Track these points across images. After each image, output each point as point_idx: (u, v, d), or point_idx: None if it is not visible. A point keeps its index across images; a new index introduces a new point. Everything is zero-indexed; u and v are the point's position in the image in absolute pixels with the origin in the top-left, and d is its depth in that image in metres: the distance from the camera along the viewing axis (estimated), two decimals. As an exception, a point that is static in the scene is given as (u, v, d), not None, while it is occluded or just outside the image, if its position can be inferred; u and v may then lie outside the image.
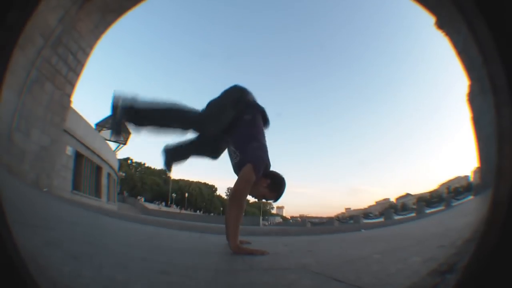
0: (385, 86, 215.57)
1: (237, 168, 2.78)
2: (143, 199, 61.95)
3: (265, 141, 2.91)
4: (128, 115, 2.85)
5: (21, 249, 0.74)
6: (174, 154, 3.23)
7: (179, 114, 2.93)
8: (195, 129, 2.98)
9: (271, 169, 2.83)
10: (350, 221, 24.21)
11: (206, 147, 3.20)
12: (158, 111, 2.91)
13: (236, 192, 2.57)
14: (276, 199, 2.85)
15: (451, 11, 8.26)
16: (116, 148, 28.11)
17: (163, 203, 70.83)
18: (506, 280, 0.69)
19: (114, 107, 2.84)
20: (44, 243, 1.56)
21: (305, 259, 2.13)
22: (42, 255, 1.27)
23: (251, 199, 2.86)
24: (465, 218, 3.74)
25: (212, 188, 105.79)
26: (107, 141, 24.85)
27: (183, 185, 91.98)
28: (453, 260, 1.27)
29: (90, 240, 2.29)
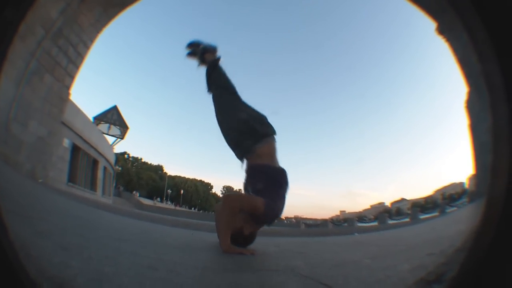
0: (383, 90, 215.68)
1: (249, 184, 2.72)
2: (138, 194, 61.85)
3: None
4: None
5: (13, 238, 0.75)
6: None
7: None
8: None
9: None
10: (344, 224, 24.28)
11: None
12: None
13: (235, 197, 2.57)
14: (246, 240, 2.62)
15: (452, 17, 8.25)
16: (113, 142, 28.12)
17: (158, 199, 70.81)
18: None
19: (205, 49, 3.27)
20: (36, 233, 1.57)
21: (295, 261, 2.13)
22: (33, 245, 1.27)
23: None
24: (458, 226, 3.76)
25: (208, 186, 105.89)
26: (105, 135, 24.86)
27: (179, 182, 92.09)
28: (441, 269, 1.28)
29: (82, 233, 2.29)
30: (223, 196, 2.65)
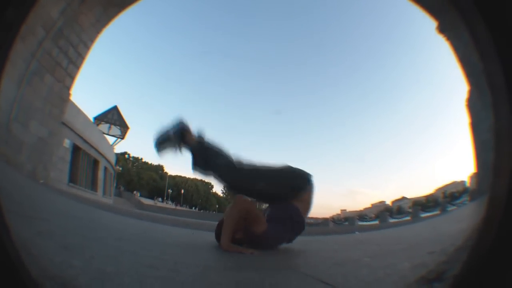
0: (383, 89, 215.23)
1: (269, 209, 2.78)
2: (138, 194, 61.86)
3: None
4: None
5: (15, 238, 0.76)
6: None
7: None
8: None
9: None
10: (345, 222, 24.25)
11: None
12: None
13: (247, 201, 2.56)
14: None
15: (453, 16, 8.28)
16: (114, 142, 28.13)
17: (159, 199, 70.87)
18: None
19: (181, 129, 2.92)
20: (37, 233, 1.57)
21: (295, 259, 2.14)
22: (35, 245, 1.28)
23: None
24: (459, 224, 3.75)
25: (208, 185, 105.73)
26: (105, 135, 24.88)
27: (180, 182, 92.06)
28: (442, 268, 1.27)
29: (83, 232, 2.30)
30: (236, 196, 2.63)
